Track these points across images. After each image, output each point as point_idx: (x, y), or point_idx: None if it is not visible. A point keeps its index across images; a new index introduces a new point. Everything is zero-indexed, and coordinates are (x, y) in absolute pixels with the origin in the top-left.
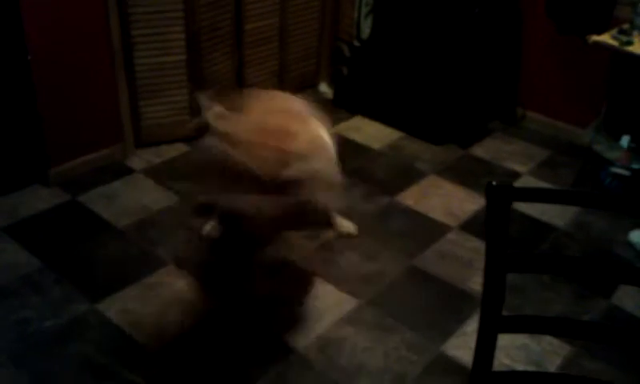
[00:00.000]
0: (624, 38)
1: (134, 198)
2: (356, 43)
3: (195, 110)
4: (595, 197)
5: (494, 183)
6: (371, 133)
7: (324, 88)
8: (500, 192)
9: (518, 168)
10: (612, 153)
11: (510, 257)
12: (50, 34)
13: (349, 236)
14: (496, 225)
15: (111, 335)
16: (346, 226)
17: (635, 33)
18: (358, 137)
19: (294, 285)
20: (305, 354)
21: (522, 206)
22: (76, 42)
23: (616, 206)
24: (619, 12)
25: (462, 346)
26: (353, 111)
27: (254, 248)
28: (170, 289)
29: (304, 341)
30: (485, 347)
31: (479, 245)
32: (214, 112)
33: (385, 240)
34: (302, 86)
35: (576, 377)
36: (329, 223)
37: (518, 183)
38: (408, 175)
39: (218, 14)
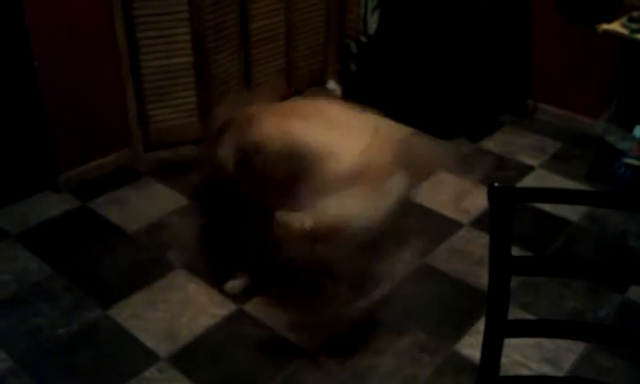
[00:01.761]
0: (634, 26)
1: (144, 202)
2: (363, 39)
3: (203, 112)
4: (602, 196)
5: (495, 184)
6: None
7: (332, 85)
8: (503, 193)
9: (530, 161)
10: (625, 143)
11: (515, 260)
12: (55, 40)
13: None
14: (499, 227)
15: (122, 341)
16: None
17: None
18: None
19: (303, 287)
20: (315, 356)
21: None
22: (82, 47)
23: (623, 205)
24: None
25: (475, 345)
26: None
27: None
28: (181, 293)
29: (314, 342)
30: (491, 352)
31: None
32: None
33: (395, 238)
34: (310, 84)
35: (584, 379)
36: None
37: (530, 176)
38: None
39: (223, 13)
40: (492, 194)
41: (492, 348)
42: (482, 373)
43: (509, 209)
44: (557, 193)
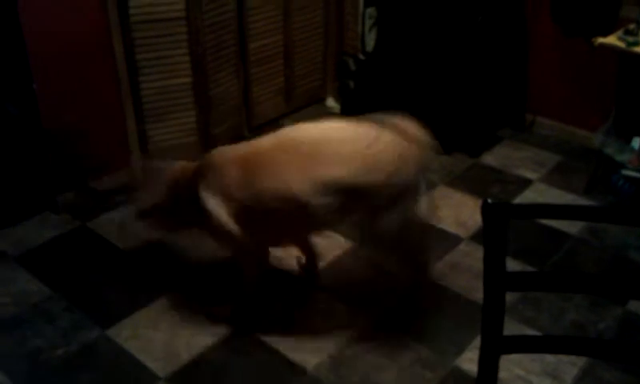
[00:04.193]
0: (630, 39)
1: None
2: (361, 56)
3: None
4: (598, 211)
5: (489, 201)
6: None
7: (331, 103)
8: (496, 210)
9: (529, 175)
10: (623, 155)
11: (509, 276)
12: (54, 62)
13: None
14: (493, 243)
15: (122, 361)
16: None
17: None
18: None
19: (305, 304)
20: (317, 374)
21: None
22: (81, 69)
23: (617, 219)
24: (625, 12)
25: (476, 360)
26: None
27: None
28: (180, 312)
29: (315, 360)
30: (487, 368)
31: None
32: None
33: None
34: (309, 102)
35: None
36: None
37: (529, 190)
38: None
39: (222, 34)
40: (486, 211)
41: (488, 364)
42: None
43: (503, 225)
44: (551, 208)
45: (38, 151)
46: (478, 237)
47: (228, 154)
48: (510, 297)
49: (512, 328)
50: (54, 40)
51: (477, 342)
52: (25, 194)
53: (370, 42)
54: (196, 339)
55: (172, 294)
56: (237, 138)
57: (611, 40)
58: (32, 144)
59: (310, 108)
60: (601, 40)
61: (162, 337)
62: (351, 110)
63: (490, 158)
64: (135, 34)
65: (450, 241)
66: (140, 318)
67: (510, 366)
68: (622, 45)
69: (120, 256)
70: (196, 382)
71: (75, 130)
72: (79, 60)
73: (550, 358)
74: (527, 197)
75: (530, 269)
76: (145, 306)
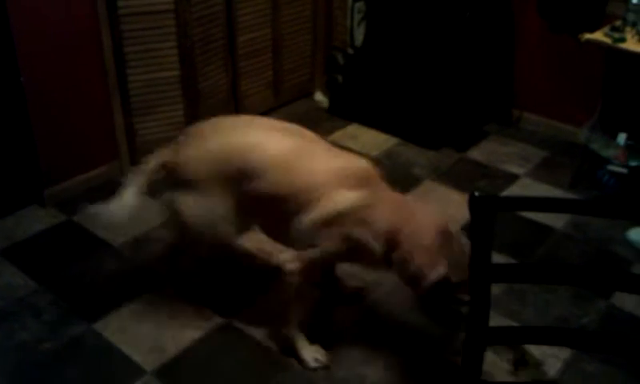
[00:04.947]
0: (616, 35)
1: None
2: (350, 51)
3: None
4: (583, 204)
5: (476, 194)
6: (367, 140)
7: (319, 96)
8: (483, 203)
9: (516, 170)
10: (609, 151)
11: (495, 267)
12: (42, 55)
13: None
14: (480, 236)
15: (109, 355)
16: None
17: (627, 29)
18: (354, 145)
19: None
20: (303, 368)
21: None
22: (69, 62)
23: (601, 212)
24: (611, 8)
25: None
26: (348, 119)
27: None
28: (167, 306)
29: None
30: (472, 359)
31: None
32: None
33: None
34: (298, 96)
35: None
36: None
37: (515, 185)
38: (405, 182)
39: (210, 27)
40: (473, 204)
41: (473, 355)
42: (463, 380)
43: (489, 218)
44: (537, 201)
45: (25, 144)
46: (466, 231)
47: None
48: (495, 290)
49: (497, 321)
50: (42, 33)
51: (462, 335)
52: (11, 187)
53: (359, 36)
54: (182, 333)
55: (159, 288)
56: None
57: (598, 36)
58: (19, 137)
59: (298, 102)
60: (587, 36)
61: (148, 331)
62: (339, 104)
63: (476, 153)
64: (123, 26)
65: None
66: (126, 312)
67: (495, 358)
68: (608, 41)
69: (106, 250)
70: (182, 376)
71: (62, 124)
72: (67, 53)
73: (534, 350)
74: (513, 192)
75: (510, 262)
76: (131, 300)
